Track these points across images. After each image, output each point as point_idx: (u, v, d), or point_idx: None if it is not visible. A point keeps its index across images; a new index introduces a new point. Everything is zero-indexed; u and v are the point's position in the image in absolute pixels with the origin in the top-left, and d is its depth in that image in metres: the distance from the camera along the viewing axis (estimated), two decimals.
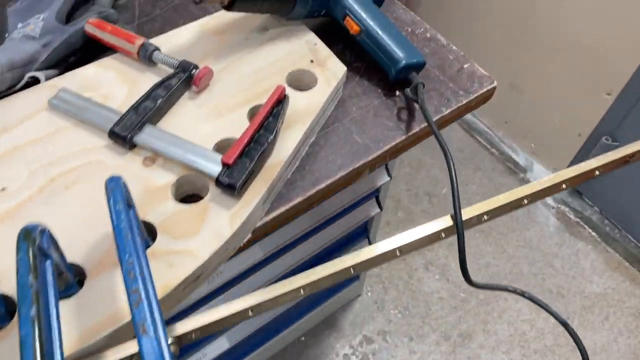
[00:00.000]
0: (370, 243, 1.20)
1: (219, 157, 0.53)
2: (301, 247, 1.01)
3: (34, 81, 0.60)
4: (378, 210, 1.07)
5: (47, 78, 0.61)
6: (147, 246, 0.49)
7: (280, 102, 0.58)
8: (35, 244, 0.39)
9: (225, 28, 0.67)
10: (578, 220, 1.69)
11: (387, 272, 1.55)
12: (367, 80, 0.69)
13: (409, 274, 1.54)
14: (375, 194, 1.05)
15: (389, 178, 0.98)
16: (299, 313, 1.31)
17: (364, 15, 0.66)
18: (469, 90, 0.69)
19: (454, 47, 0.74)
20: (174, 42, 0.65)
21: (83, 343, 0.44)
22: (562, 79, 1.59)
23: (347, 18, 0.67)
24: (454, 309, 1.51)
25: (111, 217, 0.41)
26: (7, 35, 0.64)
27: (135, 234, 0.43)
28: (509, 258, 1.61)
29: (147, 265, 0.41)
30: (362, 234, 1.18)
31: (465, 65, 0.72)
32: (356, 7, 0.66)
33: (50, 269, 0.41)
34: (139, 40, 0.61)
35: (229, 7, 0.61)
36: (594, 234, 1.67)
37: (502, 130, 1.87)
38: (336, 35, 0.72)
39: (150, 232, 0.51)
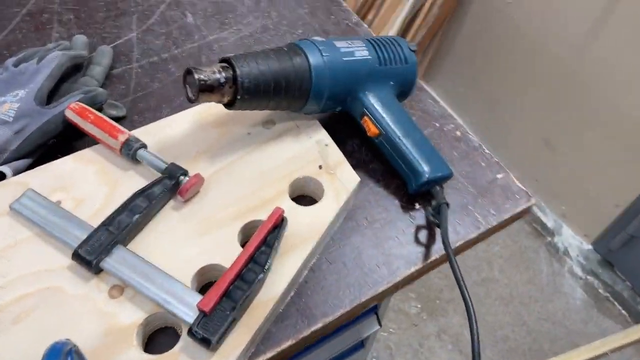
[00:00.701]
0: (379, 321, 1.10)
1: (196, 297, 0.45)
2: None
3: (0, 176, 0.52)
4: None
5: (16, 172, 0.53)
6: None
7: (277, 227, 0.49)
8: None
9: (226, 119, 0.59)
10: (608, 295, 1.57)
11: (396, 337, 1.45)
12: (384, 186, 0.60)
13: (420, 342, 1.44)
14: None
15: None
16: None
17: (384, 116, 0.57)
18: (501, 208, 0.59)
19: (486, 151, 0.64)
20: (165, 134, 0.57)
21: None
22: (602, 144, 1.48)
23: (365, 118, 0.58)
24: None
25: None
26: None
27: None
28: (530, 332, 1.49)
29: None
30: (371, 311, 1.09)
31: (499, 176, 0.62)
32: (376, 106, 0.57)
33: None
34: (123, 136, 0.53)
35: (229, 106, 0.52)
36: (624, 312, 1.54)
37: (532, 187, 1.75)
38: (353, 128, 0.63)
39: None
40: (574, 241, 1.65)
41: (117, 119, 0.62)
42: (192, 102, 0.50)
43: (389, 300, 1.10)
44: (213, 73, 0.49)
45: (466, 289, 0.48)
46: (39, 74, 0.58)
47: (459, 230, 0.57)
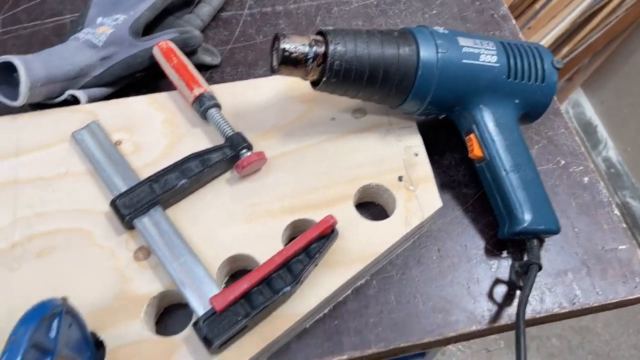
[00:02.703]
0: None
1: (214, 289, 0.40)
2: None
3: (74, 100, 0.51)
4: None
5: (91, 99, 0.51)
6: None
7: (324, 237, 0.43)
8: None
9: (313, 96, 0.52)
10: None
11: (463, 356, 1.34)
12: (472, 219, 0.50)
13: None
14: None
15: None
16: None
17: (495, 139, 0.47)
18: (610, 287, 0.47)
19: (614, 211, 0.51)
20: (247, 97, 0.52)
21: None
22: None
23: (471, 136, 0.48)
24: None
25: None
26: (80, 28, 0.55)
27: None
28: None
29: None
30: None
31: (622, 247, 0.49)
32: (489, 126, 0.47)
33: None
34: (198, 90, 0.49)
35: (314, 85, 0.46)
36: None
37: None
38: (458, 139, 0.53)
39: (97, 346, 0.40)
40: None
41: (209, 67, 0.58)
42: (273, 72, 0.44)
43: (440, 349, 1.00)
44: (302, 45, 0.43)
45: None
46: (143, 1, 0.55)
47: (545, 299, 0.46)
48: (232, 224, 0.45)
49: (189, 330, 0.40)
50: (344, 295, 0.46)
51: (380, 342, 0.44)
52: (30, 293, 0.42)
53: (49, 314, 0.33)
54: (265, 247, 0.43)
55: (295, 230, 0.46)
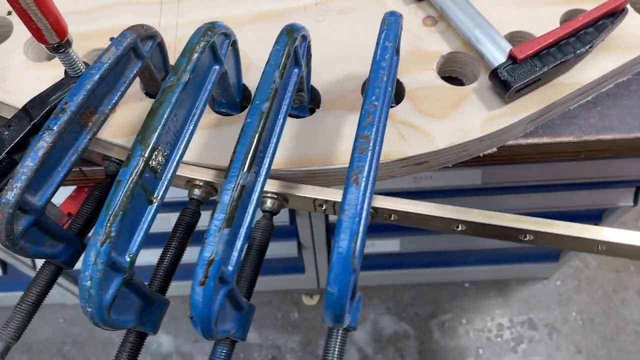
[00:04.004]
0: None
1: (508, 45, 0.44)
2: (526, 196, 0.89)
3: None
4: (631, 203, 0.88)
5: None
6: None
7: (612, 15, 0.45)
8: (294, 44, 0.36)
9: None
10: None
11: (591, 272, 1.34)
12: None
13: (615, 289, 1.31)
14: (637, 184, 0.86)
15: None
16: (477, 259, 1.22)
17: None
18: None
19: None
20: None
21: (289, 165, 0.42)
22: None
23: None
24: None
25: (375, 50, 0.35)
26: None
27: (390, 80, 0.37)
28: None
29: (386, 119, 0.36)
30: (593, 218, 1.00)
31: None
32: None
33: (295, 79, 0.38)
34: None
35: None
36: None
37: None
38: None
39: (396, 94, 0.46)
40: None
41: None
42: None
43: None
44: None
45: None
46: None
47: None
48: (511, 6, 0.48)
49: (476, 84, 0.45)
50: (607, 88, 0.48)
51: None
52: (332, 40, 0.47)
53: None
54: (544, 28, 0.46)
55: (567, 20, 0.49)
